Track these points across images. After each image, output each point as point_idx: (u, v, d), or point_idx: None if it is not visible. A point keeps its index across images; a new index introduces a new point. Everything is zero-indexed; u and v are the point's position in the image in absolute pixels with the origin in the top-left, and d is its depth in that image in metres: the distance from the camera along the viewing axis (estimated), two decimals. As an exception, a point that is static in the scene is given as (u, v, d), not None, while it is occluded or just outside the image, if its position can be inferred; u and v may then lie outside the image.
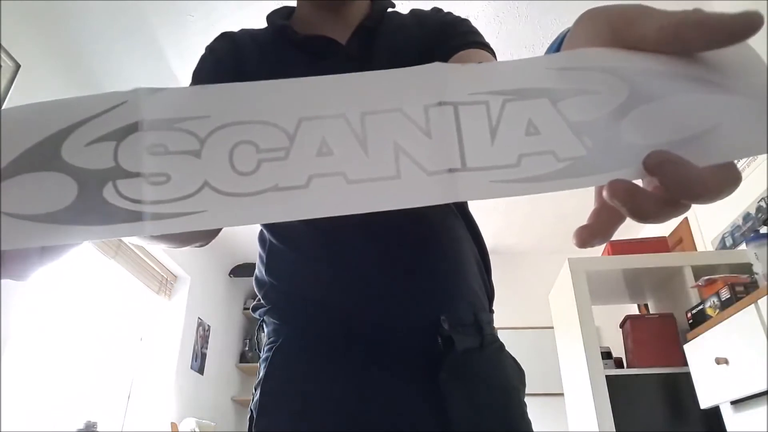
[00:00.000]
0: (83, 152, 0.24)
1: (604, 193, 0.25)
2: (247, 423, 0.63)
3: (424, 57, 0.70)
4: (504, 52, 2.39)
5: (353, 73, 0.26)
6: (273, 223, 0.68)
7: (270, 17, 0.78)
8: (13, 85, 2.14)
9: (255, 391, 0.64)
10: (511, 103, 0.25)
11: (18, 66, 2.16)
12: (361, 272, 0.63)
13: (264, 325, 0.70)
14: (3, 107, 2.08)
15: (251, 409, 0.63)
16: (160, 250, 3.43)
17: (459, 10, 0.80)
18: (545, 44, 2.35)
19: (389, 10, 0.79)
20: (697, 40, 0.24)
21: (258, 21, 0.79)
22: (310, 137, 0.25)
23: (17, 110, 0.25)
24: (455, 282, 0.66)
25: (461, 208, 0.74)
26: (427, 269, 0.64)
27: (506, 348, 0.68)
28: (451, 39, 0.73)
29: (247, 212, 0.24)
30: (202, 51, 0.77)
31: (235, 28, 0.80)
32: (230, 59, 0.74)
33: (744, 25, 0.23)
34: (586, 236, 0.28)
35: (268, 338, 0.67)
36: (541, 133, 0.25)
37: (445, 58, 0.68)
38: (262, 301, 0.69)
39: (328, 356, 0.61)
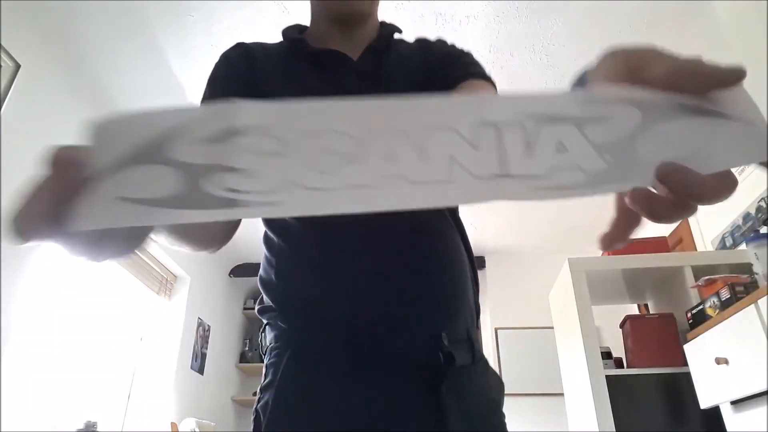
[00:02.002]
0: (187, 149, 0.29)
1: (626, 199, 0.30)
2: (252, 424, 0.64)
3: (429, 83, 0.74)
4: (504, 52, 2.39)
5: (410, 97, 0.31)
6: (284, 231, 0.70)
7: (285, 32, 0.83)
8: (13, 85, 2.14)
9: (262, 393, 0.65)
10: (544, 126, 0.31)
11: (18, 66, 2.16)
12: (369, 283, 0.65)
13: (269, 328, 0.70)
14: (5, 108, 2.08)
15: (257, 411, 0.64)
16: (160, 250, 3.43)
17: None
18: (545, 44, 2.35)
19: (396, 35, 0.84)
20: (692, 86, 0.30)
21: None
22: (378, 146, 0.30)
23: (125, 115, 0.30)
24: (456, 299, 0.69)
25: (458, 225, 0.77)
26: (432, 285, 0.67)
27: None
28: (454, 69, 0.79)
29: (325, 204, 0.29)
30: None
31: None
32: (243, 68, 0.77)
33: (731, 77, 0.29)
34: (608, 241, 0.34)
35: (275, 342, 0.68)
36: (569, 151, 0.30)
37: (448, 87, 0.74)
38: (270, 304, 0.69)
39: (336, 364, 0.63)
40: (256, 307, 0.72)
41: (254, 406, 0.66)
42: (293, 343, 0.65)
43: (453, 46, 0.85)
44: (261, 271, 0.73)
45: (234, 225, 0.75)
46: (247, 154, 0.29)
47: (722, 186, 0.29)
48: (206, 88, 0.76)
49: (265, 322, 0.71)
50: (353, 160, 0.29)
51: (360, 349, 0.63)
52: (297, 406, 0.62)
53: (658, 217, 0.30)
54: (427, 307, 0.65)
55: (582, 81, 0.37)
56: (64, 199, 0.29)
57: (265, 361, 0.68)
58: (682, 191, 0.28)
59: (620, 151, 0.30)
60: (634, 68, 0.32)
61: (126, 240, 0.35)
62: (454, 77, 0.76)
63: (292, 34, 0.82)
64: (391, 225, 0.65)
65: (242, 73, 0.76)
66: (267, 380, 0.66)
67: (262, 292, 0.71)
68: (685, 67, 0.30)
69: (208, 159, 0.29)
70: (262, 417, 0.63)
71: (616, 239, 0.34)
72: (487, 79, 0.78)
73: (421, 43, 0.87)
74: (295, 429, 0.61)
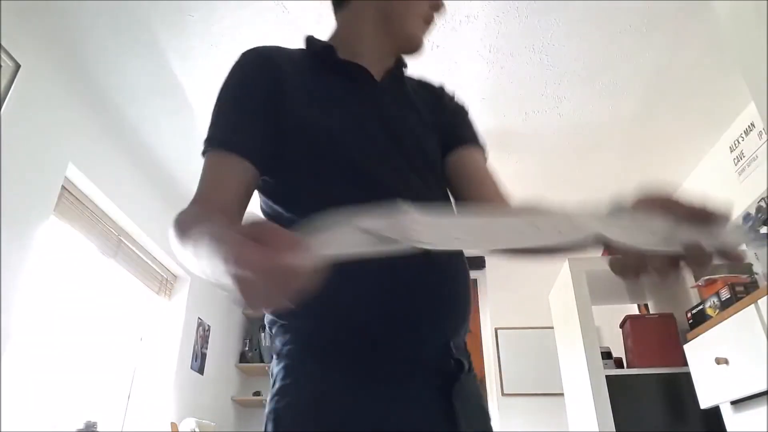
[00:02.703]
0: (364, 221, 0.44)
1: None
2: (271, 424, 0.63)
3: (437, 124, 0.84)
4: (504, 52, 2.39)
5: (528, 210, 0.50)
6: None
7: (310, 39, 0.86)
8: (13, 85, 2.14)
9: (279, 395, 0.65)
10: (600, 223, 0.48)
11: (18, 66, 2.16)
12: (390, 290, 0.66)
13: (282, 329, 0.69)
14: (5, 108, 2.08)
15: (276, 411, 0.64)
16: (160, 250, 3.43)
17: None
18: (545, 44, 2.35)
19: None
20: (695, 225, 0.46)
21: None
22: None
23: (339, 229, 0.44)
24: (467, 308, 0.74)
25: None
26: (449, 293, 0.70)
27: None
28: (462, 128, 0.92)
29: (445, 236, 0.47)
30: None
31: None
32: (262, 76, 0.76)
33: (721, 217, 0.46)
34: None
35: (289, 344, 0.68)
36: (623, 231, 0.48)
37: (453, 138, 0.88)
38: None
39: (356, 368, 0.64)
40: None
41: (270, 407, 0.65)
42: (314, 346, 0.66)
43: (459, 101, 0.95)
44: None
45: None
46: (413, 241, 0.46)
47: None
48: (228, 102, 0.75)
49: (279, 323, 0.70)
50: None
51: (379, 353, 0.64)
52: (319, 407, 0.63)
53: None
54: (443, 315, 0.68)
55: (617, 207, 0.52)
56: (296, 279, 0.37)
57: (279, 363, 0.68)
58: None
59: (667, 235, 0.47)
60: (663, 207, 0.48)
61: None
62: (460, 136, 0.89)
63: (319, 41, 0.85)
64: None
65: (260, 82, 0.75)
66: (284, 382, 0.65)
67: None
68: (691, 211, 0.47)
69: (378, 227, 0.44)
70: (281, 419, 0.63)
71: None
72: (482, 145, 0.92)
73: (427, 86, 0.95)
74: (319, 430, 0.62)
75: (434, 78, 0.97)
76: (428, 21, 0.89)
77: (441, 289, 0.69)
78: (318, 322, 0.66)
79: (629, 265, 0.46)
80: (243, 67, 0.77)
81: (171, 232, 0.60)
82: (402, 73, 0.88)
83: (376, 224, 0.44)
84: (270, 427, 0.63)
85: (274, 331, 0.71)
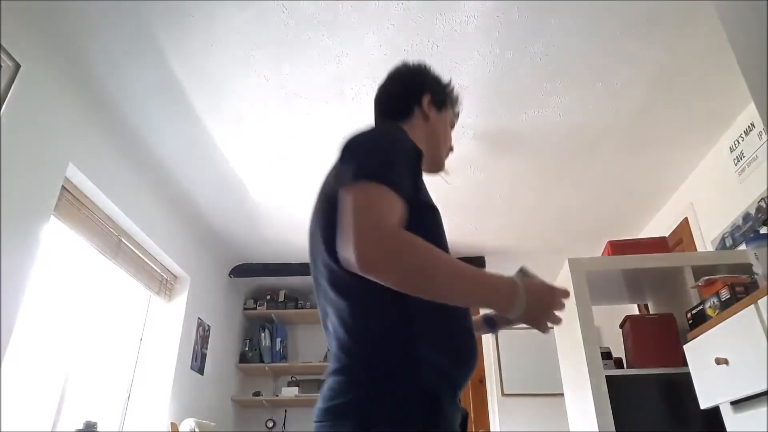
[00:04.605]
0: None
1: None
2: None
3: None
4: (504, 52, 2.39)
5: None
6: (420, 300, 0.82)
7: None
8: (13, 85, 2.14)
9: (435, 418, 0.81)
10: None
11: (18, 66, 2.16)
12: (474, 341, 0.96)
13: (428, 368, 0.84)
14: (5, 108, 2.08)
15: (431, 423, 0.80)
16: (160, 250, 3.43)
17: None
18: (545, 44, 2.35)
19: None
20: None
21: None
22: None
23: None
24: None
25: None
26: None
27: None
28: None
29: None
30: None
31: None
32: (419, 158, 0.97)
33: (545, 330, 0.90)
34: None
35: (434, 381, 0.84)
36: None
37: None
38: (431, 352, 0.86)
39: (456, 399, 0.90)
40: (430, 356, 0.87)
41: (423, 424, 0.79)
42: (450, 382, 0.87)
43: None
44: (392, 325, 0.86)
45: None
46: None
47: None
48: (397, 155, 0.90)
49: (426, 361, 0.84)
50: None
51: (462, 385, 0.91)
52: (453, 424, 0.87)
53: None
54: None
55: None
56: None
57: (421, 396, 0.81)
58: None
59: None
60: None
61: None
62: None
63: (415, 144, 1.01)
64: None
65: (418, 168, 0.97)
66: (434, 408, 0.81)
67: (400, 338, 0.85)
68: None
69: None
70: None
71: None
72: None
73: None
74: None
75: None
76: (449, 153, 1.24)
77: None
78: (453, 363, 0.89)
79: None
80: (411, 143, 0.96)
81: (410, 248, 0.76)
82: None
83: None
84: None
85: (423, 371, 0.85)
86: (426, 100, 1.16)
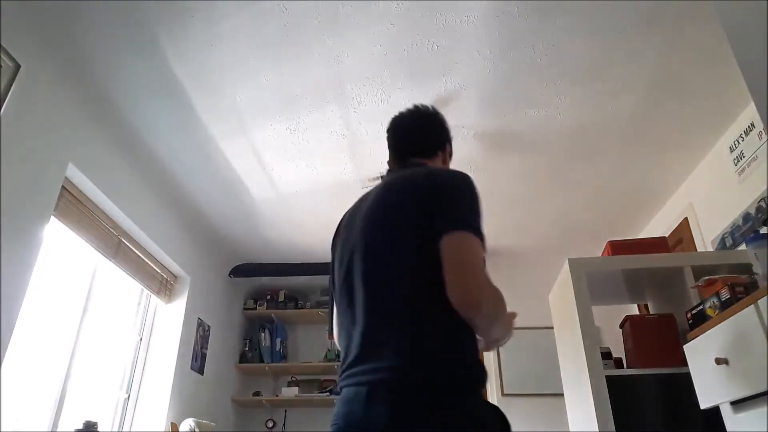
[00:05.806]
0: None
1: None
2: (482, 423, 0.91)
3: None
4: (504, 52, 2.39)
5: None
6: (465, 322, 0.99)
7: None
8: (13, 85, 2.14)
9: (484, 411, 0.94)
10: None
11: (18, 66, 2.16)
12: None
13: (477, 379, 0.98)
14: (5, 108, 2.08)
15: (484, 412, 0.94)
16: (159, 250, 3.43)
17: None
18: (545, 44, 2.35)
19: None
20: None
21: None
22: None
23: None
24: None
25: None
26: None
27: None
28: None
29: None
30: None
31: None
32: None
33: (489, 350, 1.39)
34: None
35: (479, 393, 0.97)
36: None
37: None
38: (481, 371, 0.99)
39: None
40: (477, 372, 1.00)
41: (475, 415, 0.91)
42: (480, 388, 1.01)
43: None
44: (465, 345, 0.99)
45: None
46: None
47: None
48: (480, 208, 1.06)
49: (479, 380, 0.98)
50: None
51: None
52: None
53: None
54: None
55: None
56: None
57: (476, 398, 0.96)
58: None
59: None
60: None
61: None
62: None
63: None
64: None
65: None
66: (482, 403, 0.96)
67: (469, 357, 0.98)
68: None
69: None
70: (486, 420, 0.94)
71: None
72: None
73: None
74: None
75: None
76: None
77: None
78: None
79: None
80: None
81: (497, 299, 0.99)
82: None
83: None
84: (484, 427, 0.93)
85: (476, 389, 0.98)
86: (448, 148, 1.38)
